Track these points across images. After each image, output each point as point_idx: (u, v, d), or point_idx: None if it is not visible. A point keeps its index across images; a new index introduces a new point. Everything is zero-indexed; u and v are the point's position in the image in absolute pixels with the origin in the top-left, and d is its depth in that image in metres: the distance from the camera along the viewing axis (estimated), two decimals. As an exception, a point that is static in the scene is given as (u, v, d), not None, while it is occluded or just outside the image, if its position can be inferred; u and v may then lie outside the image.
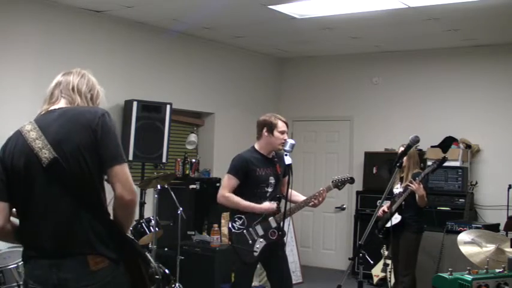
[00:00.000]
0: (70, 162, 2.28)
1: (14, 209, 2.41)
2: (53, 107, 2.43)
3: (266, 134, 4.44)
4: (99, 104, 2.52)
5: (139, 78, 6.78)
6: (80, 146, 2.29)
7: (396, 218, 5.53)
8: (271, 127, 4.43)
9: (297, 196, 4.56)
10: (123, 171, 2.32)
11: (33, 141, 2.31)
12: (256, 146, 4.52)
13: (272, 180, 4.46)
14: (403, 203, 5.47)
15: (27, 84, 5.52)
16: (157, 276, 5.33)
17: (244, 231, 4.37)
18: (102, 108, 2.44)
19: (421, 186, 5.35)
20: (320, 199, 4.43)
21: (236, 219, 4.40)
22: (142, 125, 6.30)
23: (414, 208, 5.49)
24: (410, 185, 5.32)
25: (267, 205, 4.39)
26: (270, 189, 4.45)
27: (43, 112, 2.43)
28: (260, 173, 4.41)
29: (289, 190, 4.24)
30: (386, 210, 5.57)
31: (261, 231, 4.38)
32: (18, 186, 2.35)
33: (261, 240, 4.37)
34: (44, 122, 2.37)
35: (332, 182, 4.52)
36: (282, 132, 4.43)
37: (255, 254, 4.35)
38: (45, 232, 2.30)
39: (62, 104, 2.44)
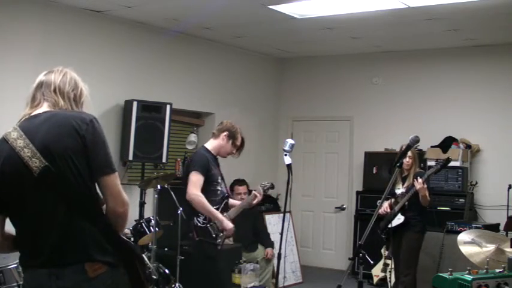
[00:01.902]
0: (61, 168, 2.21)
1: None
2: (36, 111, 2.34)
3: (225, 138, 4.66)
4: (84, 102, 2.43)
5: (139, 78, 6.78)
6: (68, 151, 2.22)
7: (399, 219, 5.53)
8: (232, 135, 4.66)
9: (233, 202, 4.90)
10: (114, 182, 2.28)
11: (22, 150, 2.23)
12: (208, 146, 4.70)
13: (220, 179, 4.67)
14: (406, 203, 5.48)
15: (27, 84, 5.48)
16: (154, 277, 5.33)
17: (208, 225, 4.53)
18: (89, 113, 2.35)
19: (425, 185, 5.38)
20: (256, 201, 4.79)
21: (199, 214, 4.54)
22: (142, 125, 6.30)
23: (417, 208, 5.52)
24: (416, 183, 5.34)
25: (227, 224, 4.56)
26: (220, 188, 4.65)
27: (26, 117, 2.34)
28: (215, 172, 4.60)
29: (289, 189, 4.26)
30: (389, 209, 5.57)
31: (220, 226, 4.57)
32: (9, 197, 2.29)
33: (221, 234, 4.56)
34: (30, 128, 2.27)
35: (260, 186, 4.88)
36: (235, 148, 4.70)
37: (219, 247, 4.56)
38: (41, 242, 2.26)
39: (45, 107, 2.35)
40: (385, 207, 5.61)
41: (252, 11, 6.10)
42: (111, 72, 6.44)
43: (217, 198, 4.61)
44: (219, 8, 5.97)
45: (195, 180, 4.48)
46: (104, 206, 2.33)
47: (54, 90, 2.37)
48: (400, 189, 5.57)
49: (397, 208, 5.48)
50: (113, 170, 2.29)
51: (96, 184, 2.31)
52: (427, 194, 5.43)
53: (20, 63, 5.62)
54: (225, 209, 4.67)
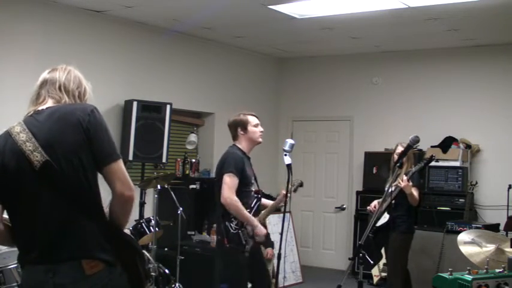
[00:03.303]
0: (62, 164, 2.22)
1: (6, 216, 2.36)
2: (40, 108, 2.35)
3: (242, 132, 4.52)
4: (87, 100, 2.45)
5: (139, 78, 6.79)
6: (72, 146, 2.23)
7: (385, 217, 5.48)
8: (243, 124, 4.51)
9: (265, 202, 4.72)
10: (120, 168, 2.28)
11: (24, 144, 2.24)
12: (239, 146, 4.56)
13: (253, 180, 4.55)
14: (393, 202, 5.43)
15: (28, 84, 5.49)
16: (153, 274, 5.33)
17: (239, 231, 4.40)
18: (90, 104, 2.36)
19: (410, 184, 5.32)
20: (285, 200, 4.52)
21: (232, 219, 4.41)
22: (142, 125, 6.30)
23: (404, 207, 5.44)
24: (399, 181, 5.31)
25: (261, 229, 4.43)
26: (253, 189, 4.54)
27: (31, 113, 2.35)
28: (249, 173, 4.48)
29: (289, 190, 4.26)
30: (374, 208, 5.52)
31: (250, 232, 4.43)
32: (9, 189, 2.29)
33: (251, 240, 4.43)
34: (33, 124, 2.29)
35: (291, 185, 4.60)
36: (256, 125, 4.53)
37: (247, 254, 4.41)
38: (39, 237, 2.26)
39: (49, 103, 2.36)
40: (373, 205, 5.58)
41: (252, 11, 6.10)
42: (111, 72, 6.44)
43: (250, 200, 4.47)
44: (219, 8, 5.97)
45: (230, 183, 4.33)
46: (107, 205, 2.34)
47: (59, 88, 2.39)
48: (391, 188, 5.52)
49: (383, 206, 5.41)
50: (118, 156, 2.31)
51: (99, 177, 2.32)
52: (414, 193, 5.35)
53: (20, 63, 5.62)
54: (257, 212, 4.52)
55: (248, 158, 4.55)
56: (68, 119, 2.27)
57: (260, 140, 4.55)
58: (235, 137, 4.57)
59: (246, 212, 4.37)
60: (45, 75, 2.44)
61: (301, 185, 4.79)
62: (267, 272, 4.61)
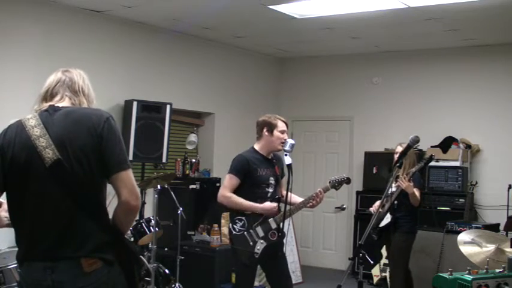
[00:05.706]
0: (73, 164, 2.24)
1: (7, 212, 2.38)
2: (57, 104, 2.37)
3: (266, 133, 4.45)
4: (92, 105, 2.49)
5: (139, 78, 6.79)
6: (83, 149, 2.26)
7: (387, 218, 5.49)
8: (271, 127, 4.44)
9: (295, 198, 4.56)
10: (129, 177, 2.31)
11: (37, 139, 2.26)
12: (256, 147, 4.52)
13: (272, 180, 4.46)
14: (395, 202, 5.44)
15: (27, 84, 5.52)
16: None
17: (245, 232, 4.35)
18: (107, 111, 2.39)
19: (411, 184, 5.32)
20: (318, 200, 4.47)
21: (236, 220, 4.39)
22: (142, 125, 6.30)
23: (407, 208, 5.46)
24: (400, 182, 5.31)
25: (268, 205, 4.37)
26: (270, 190, 4.45)
27: (45, 108, 2.36)
28: (261, 173, 4.41)
29: (289, 190, 4.24)
30: (380, 209, 5.53)
31: (261, 233, 4.36)
32: (15, 181, 2.31)
33: (262, 241, 4.35)
34: (49, 120, 2.31)
35: (329, 182, 4.57)
36: (282, 132, 4.44)
37: (256, 255, 4.34)
38: (41, 234, 2.27)
39: (65, 103, 2.39)
40: (375, 206, 5.58)
41: (252, 11, 6.10)
42: (111, 72, 6.44)
43: (265, 201, 4.39)
44: (219, 8, 5.97)
45: (226, 183, 4.40)
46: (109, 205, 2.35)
47: (78, 91, 2.43)
48: (393, 188, 5.54)
49: (386, 207, 5.42)
50: (128, 166, 2.33)
51: (107, 182, 2.34)
52: (416, 193, 5.37)
53: (20, 63, 5.63)
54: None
55: (266, 159, 4.48)
56: (83, 122, 2.29)
57: (279, 147, 4.41)
58: (259, 136, 4.51)
59: (242, 201, 4.33)
60: (60, 75, 2.45)
61: (346, 181, 4.58)
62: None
